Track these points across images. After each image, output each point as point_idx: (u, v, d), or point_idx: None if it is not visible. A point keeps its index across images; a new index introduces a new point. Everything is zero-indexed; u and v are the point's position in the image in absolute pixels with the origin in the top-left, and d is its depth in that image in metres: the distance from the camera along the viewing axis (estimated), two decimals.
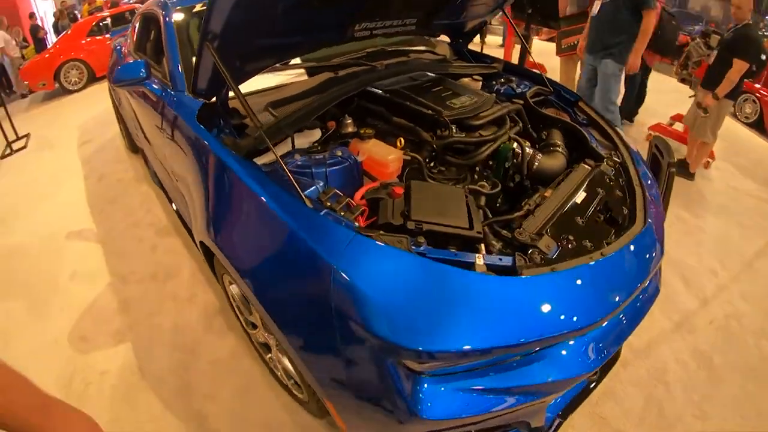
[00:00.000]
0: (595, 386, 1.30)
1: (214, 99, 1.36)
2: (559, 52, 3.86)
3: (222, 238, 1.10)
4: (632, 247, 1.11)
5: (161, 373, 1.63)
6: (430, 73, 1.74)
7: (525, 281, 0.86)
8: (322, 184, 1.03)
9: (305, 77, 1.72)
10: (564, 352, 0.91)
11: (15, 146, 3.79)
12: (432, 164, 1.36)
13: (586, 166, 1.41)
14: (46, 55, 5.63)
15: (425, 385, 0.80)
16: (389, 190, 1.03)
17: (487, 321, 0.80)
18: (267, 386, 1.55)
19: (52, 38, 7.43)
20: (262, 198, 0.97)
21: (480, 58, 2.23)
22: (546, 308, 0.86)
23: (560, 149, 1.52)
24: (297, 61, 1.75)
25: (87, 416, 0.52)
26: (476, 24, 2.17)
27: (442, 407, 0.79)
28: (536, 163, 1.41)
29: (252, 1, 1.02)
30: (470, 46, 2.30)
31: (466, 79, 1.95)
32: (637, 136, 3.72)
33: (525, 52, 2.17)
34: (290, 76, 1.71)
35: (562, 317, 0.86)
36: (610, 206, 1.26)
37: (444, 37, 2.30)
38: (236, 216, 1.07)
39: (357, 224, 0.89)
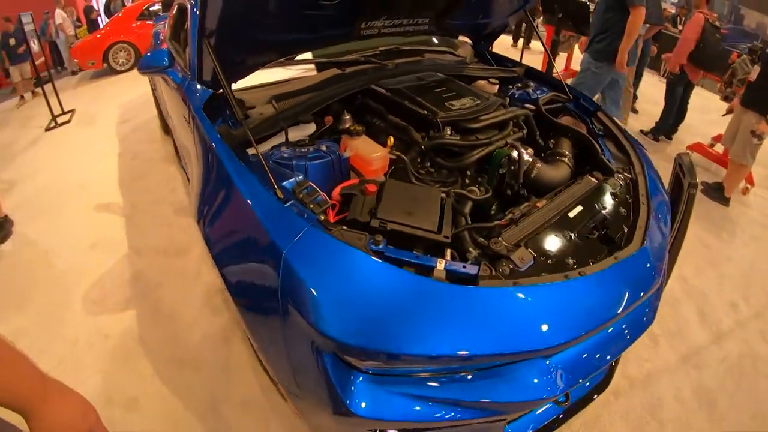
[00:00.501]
0: (573, 413, 1.25)
1: (221, 90, 1.41)
2: None
3: (204, 222, 1.14)
4: (620, 269, 1.05)
5: (157, 343, 1.73)
6: (440, 74, 1.72)
7: (482, 292, 0.84)
8: (301, 177, 1.05)
9: (314, 72, 1.75)
10: (523, 373, 0.87)
11: (60, 120, 4.10)
12: (422, 165, 1.34)
13: (592, 179, 1.34)
14: (97, 36, 6.01)
15: (360, 380, 0.79)
16: (363, 187, 1.03)
17: (430, 328, 0.78)
18: (249, 366, 1.61)
19: (104, 19, 7.93)
20: (237, 185, 1.00)
21: (501, 61, 2.17)
22: (502, 323, 0.82)
23: (566, 159, 1.46)
24: (307, 56, 1.78)
25: (81, 396, 0.54)
26: (498, 26, 2.12)
27: (376, 407, 0.78)
28: (535, 172, 1.35)
29: None
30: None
31: (481, 82, 1.91)
32: (674, 155, 3.48)
33: (550, 56, 2.08)
34: (299, 71, 1.75)
35: (520, 335, 0.82)
36: (608, 224, 1.20)
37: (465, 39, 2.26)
38: (216, 202, 1.12)
39: (323, 218, 0.91)
